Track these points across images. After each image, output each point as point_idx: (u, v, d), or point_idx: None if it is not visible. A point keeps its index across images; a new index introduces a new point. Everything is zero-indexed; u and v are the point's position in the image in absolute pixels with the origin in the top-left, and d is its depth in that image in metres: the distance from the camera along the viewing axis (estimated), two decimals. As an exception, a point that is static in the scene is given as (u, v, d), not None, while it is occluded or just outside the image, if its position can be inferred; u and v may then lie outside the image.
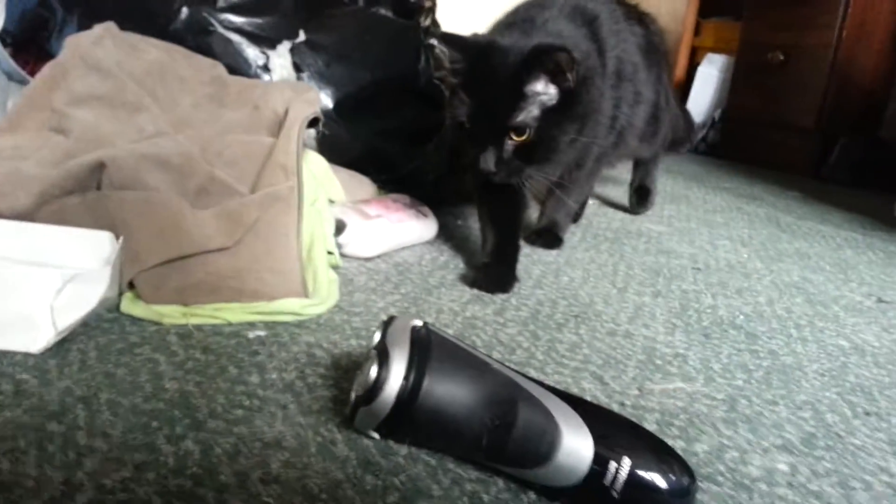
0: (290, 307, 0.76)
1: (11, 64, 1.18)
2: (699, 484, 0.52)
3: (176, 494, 0.46)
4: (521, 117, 0.85)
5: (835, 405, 0.69)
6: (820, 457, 0.59)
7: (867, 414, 0.68)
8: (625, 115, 1.07)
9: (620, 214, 1.51)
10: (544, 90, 0.86)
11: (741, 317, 0.92)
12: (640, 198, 1.52)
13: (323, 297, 0.80)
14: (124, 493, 0.45)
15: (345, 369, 0.65)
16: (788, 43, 2.66)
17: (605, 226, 1.39)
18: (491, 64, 0.87)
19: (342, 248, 0.97)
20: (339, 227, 0.98)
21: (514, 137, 0.86)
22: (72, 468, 0.47)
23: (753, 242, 1.40)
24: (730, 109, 2.98)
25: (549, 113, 0.87)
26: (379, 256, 1.00)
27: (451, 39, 0.91)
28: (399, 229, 1.03)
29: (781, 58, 2.67)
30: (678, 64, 3.29)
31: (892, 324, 0.97)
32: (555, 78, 0.86)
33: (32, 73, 1.22)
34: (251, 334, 0.71)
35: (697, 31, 3.30)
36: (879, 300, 1.08)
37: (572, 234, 1.26)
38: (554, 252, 1.15)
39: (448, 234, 1.15)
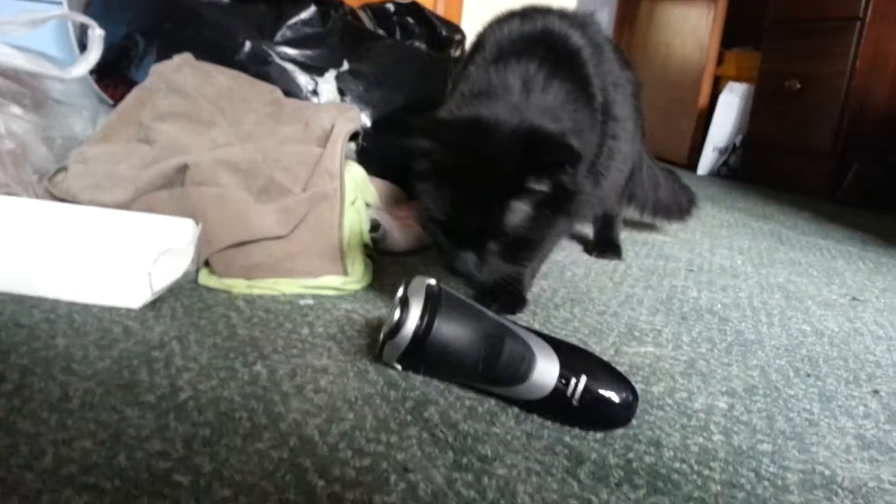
0: (332, 283, 0.92)
1: (96, 89, 1.40)
2: (653, 410, 0.67)
3: (251, 396, 0.62)
4: (515, 220, 0.74)
5: (782, 369, 0.83)
6: (756, 401, 0.73)
7: (808, 375, 0.82)
8: (604, 160, 1.00)
9: (630, 227, 1.65)
10: (539, 185, 0.74)
11: (719, 305, 1.06)
12: (606, 250, 1.33)
13: (359, 277, 0.96)
14: (213, 394, 0.62)
15: (376, 327, 0.81)
16: (805, 71, 2.78)
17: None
18: (476, 151, 0.74)
19: (377, 243, 1.14)
20: (374, 226, 1.15)
21: (500, 238, 0.76)
22: (174, 378, 0.64)
23: (750, 252, 1.53)
24: (750, 135, 3.10)
25: (541, 207, 0.75)
26: (408, 252, 1.17)
27: (428, 127, 0.78)
28: (425, 229, 1.19)
29: (799, 86, 2.80)
30: (702, 92, 3.42)
31: (857, 316, 1.09)
32: (553, 173, 0.74)
33: (113, 97, 1.44)
34: (302, 302, 0.88)
35: (720, 61, 3.43)
36: (854, 298, 1.20)
37: (581, 242, 1.42)
38: (563, 253, 1.30)
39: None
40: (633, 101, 1.15)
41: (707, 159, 3.26)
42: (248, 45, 1.26)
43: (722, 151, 3.26)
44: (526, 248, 0.78)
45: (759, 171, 3.01)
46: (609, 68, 1.01)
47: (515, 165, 0.73)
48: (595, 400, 0.61)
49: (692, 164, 3.28)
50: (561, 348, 0.64)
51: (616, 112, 1.01)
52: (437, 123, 0.78)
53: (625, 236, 1.54)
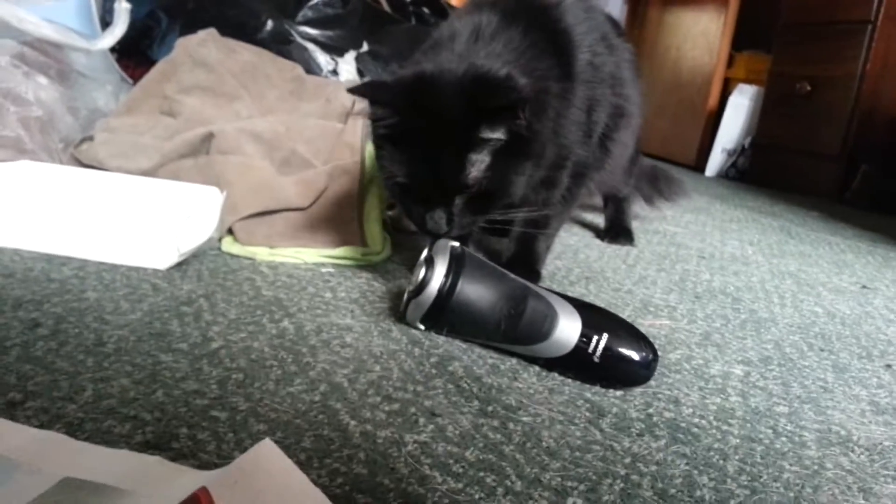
0: (352, 253, 0.94)
1: (117, 68, 1.42)
2: (670, 374, 0.69)
3: (280, 347, 0.64)
4: (476, 172, 0.72)
5: (795, 344, 0.84)
6: (771, 369, 0.75)
7: (821, 350, 0.83)
8: (603, 122, 0.96)
9: (641, 216, 1.66)
10: (492, 133, 0.72)
11: (731, 288, 1.08)
12: (618, 235, 1.35)
13: (379, 249, 0.98)
14: (244, 344, 0.64)
15: (396, 294, 0.83)
16: (815, 74, 2.79)
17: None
18: (424, 109, 0.71)
19: (394, 221, 1.15)
20: (391, 205, 1.17)
21: (465, 191, 0.74)
22: (204, 330, 0.66)
23: (760, 244, 1.54)
24: (759, 137, 3.10)
25: (499, 155, 0.73)
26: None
27: (371, 93, 0.74)
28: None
29: (808, 88, 2.81)
30: (711, 94, 3.43)
31: (868, 301, 1.10)
32: (502, 118, 0.71)
33: (133, 77, 1.45)
34: (323, 269, 0.89)
35: (730, 63, 3.44)
36: (864, 287, 1.21)
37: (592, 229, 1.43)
38: (574, 237, 1.31)
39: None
40: (633, 67, 1.09)
41: (715, 161, 3.27)
42: (269, 23, 1.28)
43: (731, 153, 3.27)
44: (494, 198, 0.76)
45: (767, 172, 3.02)
46: (600, 26, 0.97)
47: (464, 116, 0.71)
48: (616, 358, 0.63)
49: (700, 166, 3.29)
50: (583, 308, 0.66)
51: (612, 71, 0.96)
52: (378, 87, 0.75)
53: (634, 226, 1.55)
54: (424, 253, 0.71)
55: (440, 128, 0.71)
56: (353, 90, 0.74)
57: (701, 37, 3.55)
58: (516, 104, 0.69)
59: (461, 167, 0.72)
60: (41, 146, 1.02)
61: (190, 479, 0.39)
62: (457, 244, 0.71)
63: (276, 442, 0.47)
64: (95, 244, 0.83)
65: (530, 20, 0.83)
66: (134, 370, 0.56)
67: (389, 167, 0.75)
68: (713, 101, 3.42)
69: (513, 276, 0.70)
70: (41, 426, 0.47)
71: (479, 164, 0.72)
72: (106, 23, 1.39)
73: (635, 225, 1.55)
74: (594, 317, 0.65)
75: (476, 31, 0.80)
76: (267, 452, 0.41)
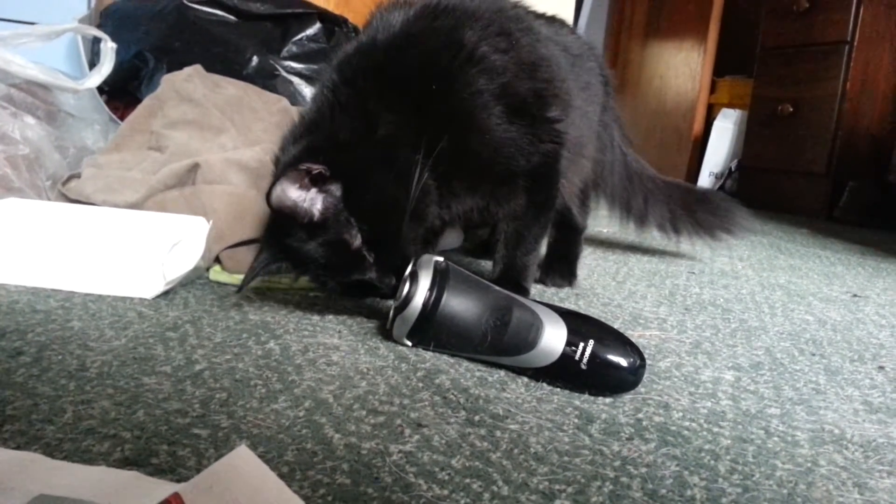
0: (340, 277, 0.94)
1: (106, 109, 1.43)
2: (660, 381, 0.68)
3: (266, 367, 0.63)
4: (346, 234, 0.74)
5: (786, 349, 0.84)
6: (762, 374, 0.74)
7: (813, 354, 0.83)
8: (532, 114, 0.87)
9: (630, 238, 1.67)
10: (321, 201, 0.73)
11: (721, 300, 1.07)
12: (563, 270, 1.12)
13: (366, 273, 0.98)
14: (228, 366, 0.63)
15: (384, 314, 0.82)
16: (797, 95, 2.83)
17: (614, 244, 1.56)
18: (285, 237, 0.76)
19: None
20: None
21: (364, 249, 0.75)
22: (189, 353, 0.65)
23: (750, 259, 1.54)
24: (745, 160, 3.13)
25: (350, 201, 0.74)
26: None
27: (263, 265, 0.78)
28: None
29: (791, 109, 2.85)
30: (696, 119, 3.49)
31: (859, 309, 1.10)
32: (308, 182, 0.72)
33: (122, 118, 1.47)
34: (311, 294, 0.89)
35: (713, 89, 3.50)
36: (854, 295, 1.21)
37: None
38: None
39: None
40: (558, 46, 1.01)
41: (703, 185, 3.29)
42: (255, 59, 1.30)
43: (718, 176, 3.30)
44: (387, 224, 0.76)
45: (755, 194, 3.03)
46: (496, 22, 0.88)
47: (288, 220, 0.74)
48: (603, 363, 0.62)
49: (689, 189, 3.31)
50: (567, 315, 0.65)
51: (519, 60, 0.87)
52: (258, 262, 0.80)
53: (624, 245, 1.56)
54: (409, 268, 0.71)
55: (298, 241, 0.74)
56: (241, 288, 0.79)
57: (683, 65, 3.62)
58: (296, 173, 0.71)
59: (341, 245, 0.74)
60: (28, 184, 1.02)
61: (166, 490, 0.39)
62: (440, 259, 0.71)
63: (258, 456, 0.46)
64: (81, 276, 0.83)
65: (368, 65, 0.83)
66: (116, 392, 0.56)
67: (318, 285, 0.80)
68: (698, 126, 3.47)
69: (497, 288, 0.69)
70: (17, 448, 0.46)
71: (342, 228, 0.74)
72: (94, 64, 1.42)
73: (626, 243, 1.56)
74: (579, 324, 0.65)
75: (289, 131, 0.87)
76: (242, 459, 0.40)
